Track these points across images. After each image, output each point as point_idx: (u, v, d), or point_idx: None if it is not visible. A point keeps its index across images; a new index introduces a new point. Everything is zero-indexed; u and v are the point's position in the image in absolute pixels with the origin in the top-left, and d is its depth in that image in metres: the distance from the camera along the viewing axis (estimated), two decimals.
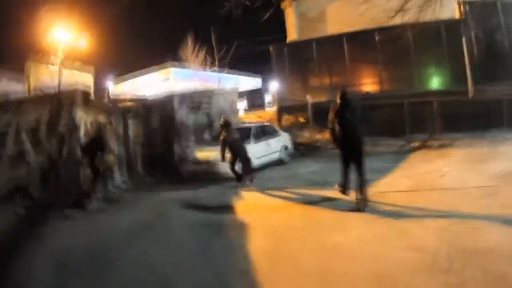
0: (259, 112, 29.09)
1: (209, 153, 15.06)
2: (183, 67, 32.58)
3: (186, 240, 8.22)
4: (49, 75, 23.10)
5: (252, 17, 14.01)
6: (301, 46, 25.27)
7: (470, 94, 21.09)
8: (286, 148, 18.17)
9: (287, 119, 24.09)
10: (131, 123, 17.05)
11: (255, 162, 15.40)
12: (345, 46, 22.87)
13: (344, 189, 9.96)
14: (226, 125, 13.91)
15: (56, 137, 13.12)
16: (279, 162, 17.34)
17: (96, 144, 13.25)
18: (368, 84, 23.23)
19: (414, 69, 22.01)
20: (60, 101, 13.39)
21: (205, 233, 8.59)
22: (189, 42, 36.11)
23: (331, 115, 9.72)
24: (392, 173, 12.99)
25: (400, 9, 14.00)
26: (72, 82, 23.26)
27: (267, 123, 19.44)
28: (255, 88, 38.97)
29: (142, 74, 31.19)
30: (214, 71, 32.47)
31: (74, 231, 9.59)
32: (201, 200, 11.96)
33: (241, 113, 29.28)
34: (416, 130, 19.45)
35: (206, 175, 14.84)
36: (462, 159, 14.11)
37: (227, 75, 33.84)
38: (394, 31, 18.61)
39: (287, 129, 21.46)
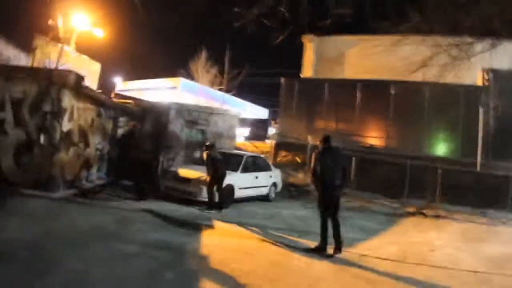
0: (257, 143, 28.15)
1: (193, 172, 14.34)
2: (192, 80, 32.62)
3: (136, 262, 7.35)
4: (57, 53, 22.82)
5: (269, 47, 13.26)
6: (313, 84, 24.32)
7: (478, 167, 19.94)
8: (275, 185, 17.44)
9: (283, 156, 23.11)
10: (122, 121, 16.63)
11: (238, 192, 14.82)
12: (358, 93, 21.83)
13: (323, 245, 9.48)
14: (211, 146, 13.79)
15: (39, 114, 12.58)
16: (264, 198, 16.62)
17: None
18: (374, 137, 22.04)
19: (424, 131, 20.89)
20: (50, 80, 12.74)
21: (162, 257, 7.73)
22: (202, 56, 36.01)
23: (313, 158, 9.80)
24: (379, 236, 12.01)
25: (423, 65, 13.09)
26: (78, 67, 23.65)
27: (261, 156, 18.53)
28: (260, 118, 38.20)
29: (151, 77, 31.25)
30: (221, 90, 31.74)
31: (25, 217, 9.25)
32: (169, 217, 11.47)
33: (240, 140, 28.79)
34: (414, 194, 18.31)
35: (184, 193, 14.08)
36: (457, 234, 13.20)
37: (234, 98, 33.28)
38: (412, 86, 17.80)
39: (281, 166, 20.62)
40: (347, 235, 10.99)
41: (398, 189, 18.56)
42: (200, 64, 36.37)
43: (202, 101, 28.65)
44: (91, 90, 15.52)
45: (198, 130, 19.01)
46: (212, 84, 35.09)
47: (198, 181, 13.70)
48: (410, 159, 19.14)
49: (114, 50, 33.50)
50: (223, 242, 9.53)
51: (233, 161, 15.58)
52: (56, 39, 23.31)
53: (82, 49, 27.77)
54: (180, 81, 29.96)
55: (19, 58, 20.06)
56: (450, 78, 14.06)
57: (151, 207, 12.53)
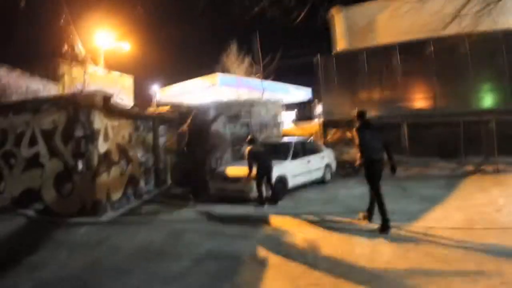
0: (305, 125, 27.69)
1: (241, 169, 13.85)
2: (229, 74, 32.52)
3: (186, 279, 7.10)
4: (84, 77, 23.50)
5: (296, 28, 12.98)
6: (349, 57, 23.55)
7: None
8: (329, 166, 17.08)
9: (333, 134, 22.66)
10: (162, 130, 16.73)
11: (291, 181, 14.49)
12: (396, 57, 21.15)
13: (369, 214, 9.98)
14: (252, 140, 13.50)
15: (72, 141, 12.71)
16: (320, 182, 16.27)
17: None
18: (420, 100, 21.29)
19: (470, 84, 19.93)
20: (77, 104, 12.84)
21: (215, 270, 7.46)
22: (233, 49, 36.13)
23: (355, 135, 9.76)
24: (443, 203, 11.49)
25: (456, 15, 12.51)
26: (109, 84, 24.85)
27: (309, 139, 18.22)
28: (304, 100, 37.69)
29: (188, 80, 31.19)
30: (259, 79, 31.37)
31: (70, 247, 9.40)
32: (222, 220, 11.43)
33: (289, 125, 28.57)
34: (471, 152, 17.70)
35: (235, 193, 13.81)
36: None
37: (275, 84, 32.91)
38: (449, 41, 17.10)
39: (332, 145, 20.35)
40: (409, 207, 10.95)
41: (454, 149, 17.99)
42: (233, 56, 36.32)
43: (242, 93, 28.67)
44: (122, 106, 15.56)
45: (242, 124, 18.83)
46: (248, 75, 34.78)
47: (247, 179, 13.24)
48: (461, 116, 18.49)
49: (146, 61, 35.03)
50: (280, 239, 9.25)
51: (281, 150, 15.28)
52: (80, 62, 23.33)
53: (113, 66, 28.33)
54: (218, 77, 29.60)
55: (48, 89, 20.14)
56: (486, 25, 13.43)
57: (202, 211, 12.58)
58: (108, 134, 13.34)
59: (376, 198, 9.54)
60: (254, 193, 13.24)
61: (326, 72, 23.54)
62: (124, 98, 26.61)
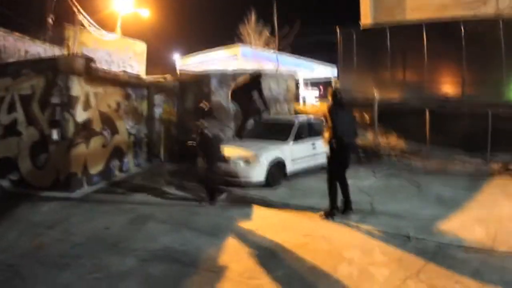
0: (320, 103, 25.98)
1: (236, 150, 12.53)
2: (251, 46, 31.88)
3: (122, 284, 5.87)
4: (94, 40, 23.33)
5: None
6: (373, 33, 21.35)
7: None
8: None
9: None
10: (159, 100, 15.62)
11: (290, 166, 12.95)
12: (425, 37, 18.94)
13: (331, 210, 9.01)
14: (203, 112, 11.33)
15: (49, 109, 11.53)
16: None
17: None
18: (448, 85, 19.17)
19: (505, 73, 17.54)
20: (55, 69, 11.56)
21: (157, 276, 6.14)
22: (252, 18, 35.13)
23: (328, 115, 9.00)
24: (462, 209, 9.64)
25: None
26: (119, 50, 24.82)
27: (318, 119, 16.36)
28: (329, 77, 36.16)
29: (209, 51, 30.34)
30: (274, 50, 30.14)
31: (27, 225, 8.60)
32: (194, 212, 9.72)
33: (311, 102, 27.25)
34: (499, 148, 15.59)
35: (227, 176, 12.08)
36: None
37: (297, 59, 31.49)
38: (483, 22, 15.16)
39: None
40: (421, 211, 9.28)
41: (480, 143, 15.89)
42: (251, 27, 35.33)
43: (264, 66, 27.26)
44: (109, 71, 14.41)
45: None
46: (267, 46, 33.73)
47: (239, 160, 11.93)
48: (492, 107, 16.28)
49: (165, 28, 35.83)
50: (253, 241, 7.66)
51: (283, 130, 13.75)
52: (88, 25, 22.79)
53: (131, 33, 27.92)
54: (240, 49, 28.75)
55: (50, 53, 19.00)
56: None
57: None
58: (90, 102, 12.19)
59: (330, 185, 9.16)
60: (250, 178, 11.98)
61: (346, 48, 21.49)
62: (135, 65, 26.35)
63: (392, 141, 17.53)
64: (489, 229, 8.06)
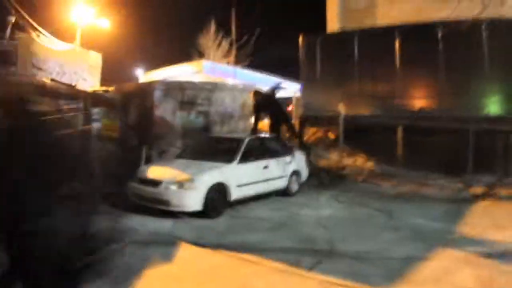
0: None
1: (169, 172, 10.58)
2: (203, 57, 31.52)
3: None
4: (45, 50, 22.43)
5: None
6: (339, 39, 19.33)
7: None
8: (297, 173, 13.23)
9: (312, 133, 18.90)
10: (97, 114, 14.32)
11: (235, 192, 10.77)
12: (397, 44, 17.09)
13: None
14: None
15: None
16: (283, 194, 12.48)
17: None
18: (423, 97, 17.17)
19: (487, 83, 15.79)
20: None
21: None
22: (211, 29, 33.97)
23: None
24: (444, 245, 7.70)
25: None
26: (72, 61, 24.22)
27: (273, 137, 14.39)
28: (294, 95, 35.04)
29: (171, 65, 29.26)
30: (238, 67, 29.29)
31: None
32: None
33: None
34: (481, 168, 13.93)
35: (154, 202, 10.14)
36: None
37: (261, 75, 30.34)
38: (463, 25, 13.59)
39: (310, 146, 16.64)
40: (392, 250, 7.41)
41: (460, 163, 14.19)
42: (210, 38, 33.99)
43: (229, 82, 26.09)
44: (40, 82, 12.76)
45: (198, 113, 15.37)
46: (226, 59, 32.60)
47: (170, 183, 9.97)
48: (473, 122, 14.68)
49: (128, 41, 35.08)
50: None
51: (228, 148, 11.81)
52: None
53: (91, 45, 27.57)
54: (203, 64, 27.91)
55: None
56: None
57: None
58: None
59: None
60: (177, 202, 9.86)
61: (310, 56, 19.53)
62: (89, 77, 25.46)
63: (359, 161, 15.84)
64: (479, 272, 6.24)
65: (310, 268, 6.46)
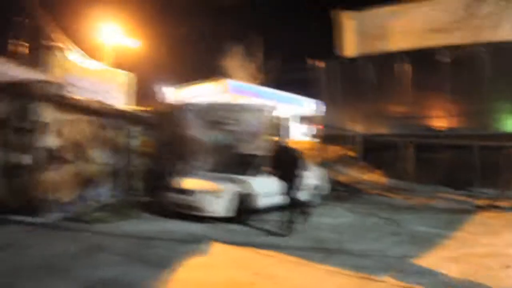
0: (300, 140, 25.35)
1: (202, 183, 11.98)
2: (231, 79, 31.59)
3: None
4: (79, 68, 22.62)
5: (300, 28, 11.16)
6: (355, 65, 20.63)
7: None
8: (316, 187, 14.48)
9: (332, 151, 20.14)
10: (136, 132, 15.11)
11: (260, 200, 12.29)
12: (407, 67, 18.31)
13: None
14: None
15: (20, 134, 11.55)
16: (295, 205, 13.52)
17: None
18: (433, 117, 18.38)
19: (491, 103, 17.05)
20: (28, 93, 11.62)
21: None
22: (238, 53, 34.89)
23: None
24: (438, 247, 8.98)
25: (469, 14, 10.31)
26: (102, 80, 24.07)
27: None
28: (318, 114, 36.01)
29: (197, 84, 30.97)
30: (262, 87, 30.18)
31: None
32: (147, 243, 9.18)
33: (299, 138, 26.94)
34: (487, 183, 15.09)
35: (188, 208, 11.56)
36: None
37: (287, 95, 31.57)
38: (468, 49, 14.66)
39: (330, 163, 17.86)
40: (391, 249, 8.69)
41: (467, 178, 15.39)
42: (236, 60, 34.85)
43: (252, 101, 27.00)
44: (82, 100, 13.78)
45: (226, 132, 16.61)
46: (252, 80, 33.48)
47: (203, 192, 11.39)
48: (478, 139, 15.88)
49: (156, 60, 35.00)
50: (200, 277, 7.03)
51: (254, 163, 13.14)
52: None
53: (123, 65, 27.63)
54: (227, 83, 29.12)
55: (31, 76, 18.69)
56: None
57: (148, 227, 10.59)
58: (62, 128, 12.04)
59: None
60: (210, 209, 11.24)
61: (329, 80, 20.89)
62: (118, 96, 25.42)
63: (375, 177, 16.93)
64: (465, 269, 7.38)
65: (320, 261, 7.74)
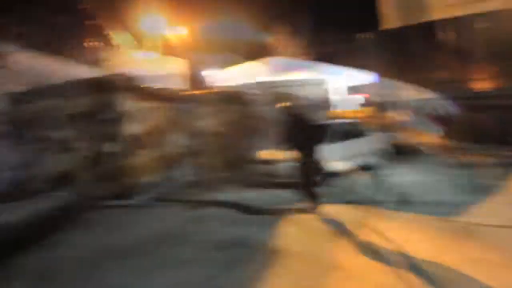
0: (358, 109, 26.44)
1: (278, 153, 13.00)
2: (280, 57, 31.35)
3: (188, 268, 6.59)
4: (134, 60, 23.54)
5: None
6: (398, 34, 22.08)
7: None
8: (377, 152, 15.86)
9: (383, 117, 21.36)
10: (203, 113, 15.85)
11: (332, 166, 13.35)
12: (449, 35, 19.39)
13: None
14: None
15: (100, 124, 12.38)
16: (367, 168, 14.65)
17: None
18: (479, 80, 19.66)
19: None
20: (101, 86, 12.56)
21: (219, 256, 7.00)
22: (281, 29, 35.10)
23: None
24: (495, 194, 10.39)
25: None
26: (158, 68, 24.52)
27: (352, 121, 16.97)
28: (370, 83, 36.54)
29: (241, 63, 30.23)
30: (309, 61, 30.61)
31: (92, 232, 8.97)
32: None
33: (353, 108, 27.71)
34: None
35: (272, 177, 12.99)
36: None
37: (330, 67, 32.15)
38: (504, 14, 15.53)
39: (383, 129, 19.04)
40: (456, 198, 10.05)
41: None
42: (283, 37, 35.24)
43: (296, 76, 27.87)
44: (152, 88, 14.83)
45: (289, 106, 17.71)
46: (296, 56, 33.52)
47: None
48: None
49: (198, 43, 34.31)
50: (306, 230, 8.51)
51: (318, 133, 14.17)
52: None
53: (170, 51, 28.59)
54: (269, 60, 27.84)
55: (90, 74, 19.95)
56: None
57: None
58: (139, 116, 12.89)
59: None
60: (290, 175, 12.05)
61: (373, 51, 22.01)
62: (176, 82, 26.35)
63: (432, 139, 17.95)
64: None
65: (395, 210, 9.32)
